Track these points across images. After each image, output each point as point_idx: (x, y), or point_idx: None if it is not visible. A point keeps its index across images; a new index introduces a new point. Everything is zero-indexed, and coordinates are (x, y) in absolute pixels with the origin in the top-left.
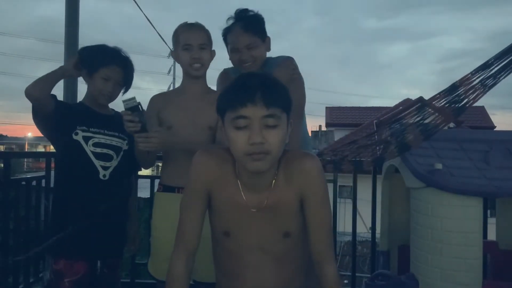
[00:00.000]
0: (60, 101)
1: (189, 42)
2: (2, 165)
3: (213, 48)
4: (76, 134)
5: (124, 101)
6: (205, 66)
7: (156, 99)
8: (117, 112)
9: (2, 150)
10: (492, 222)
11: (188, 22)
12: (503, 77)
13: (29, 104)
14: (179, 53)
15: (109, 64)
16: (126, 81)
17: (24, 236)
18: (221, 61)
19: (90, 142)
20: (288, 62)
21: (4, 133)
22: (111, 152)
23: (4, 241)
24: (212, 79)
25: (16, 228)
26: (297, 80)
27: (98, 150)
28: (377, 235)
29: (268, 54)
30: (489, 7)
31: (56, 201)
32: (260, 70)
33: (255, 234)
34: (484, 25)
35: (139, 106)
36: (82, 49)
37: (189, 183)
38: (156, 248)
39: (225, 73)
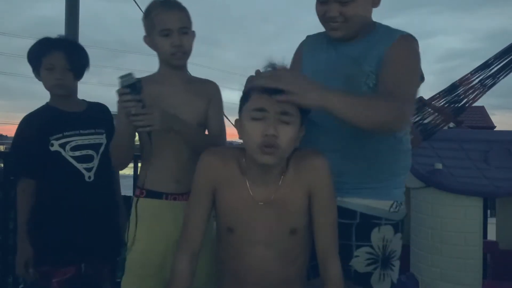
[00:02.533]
0: (29, 144)
1: (168, 26)
2: (2, 165)
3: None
4: (52, 145)
5: (120, 77)
6: (188, 53)
7: None
8: (90, 104)
9: (2, 150)
10: (492, 222)
11: (161, 0)
12: (502, 77)
13: (28, 104)
14: (156, 40)
15: (48, 52)
16: (74, 66)
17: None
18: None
19: (68, 147)
20: (408, 42)
21: (4, 133)
22: (90, 151)
23: (4, 241)
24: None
25: (16, 228)
26: (413, 65)
27: (78, 153)
28: None
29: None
30: (487, 7)
31: (42, 211)
32: (359, 36)
33: (261, 229)
34: (482, 25)
35: (138, 83)
36: (27, 53)
37: (195, 183)
38: (139, 263)
39: (300, 45)
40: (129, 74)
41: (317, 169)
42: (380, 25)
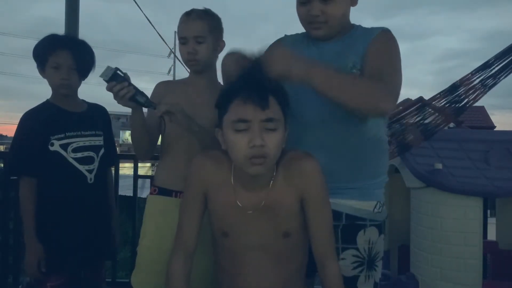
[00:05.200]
0: (31, 141)
1: (184, 35)
2: (2, 165)
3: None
4: (52, 145)
5: (101, 75)
6: (201, 61)
7: (160, 87)
8: (89, 105)
9: (2, 150)
10: (492, 222)
11: (189, 10)
12: (503, 77)
13: (28, 104)
14: (179, 47)
15: (55, 51)
16: (80, 65)
17: (24, 236)
18: None
19: (69, 149)
20: (388, 36)
21: (4, 133)
22: (92, 153)
23: (4, 241)
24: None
25: (16, 228)
26: (395, 56)
27: (79, 155)
28: None
29: None
30: (485, 7)
31: (44, 213)
32: (339, 35)
33: (254, 234)
34: (480, 25)
35: (118, 71)
36: (33, 49)
37: (187, 185)
38: (146, 259)
39: (278, 42)
40: (107, 68)
41: (307, 174)
42: (357, 25)
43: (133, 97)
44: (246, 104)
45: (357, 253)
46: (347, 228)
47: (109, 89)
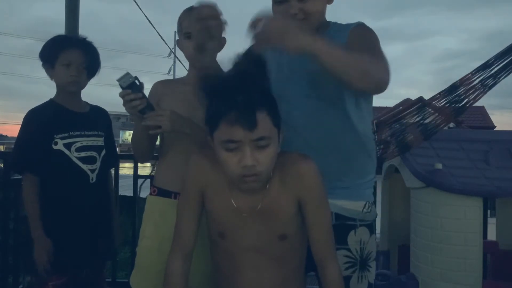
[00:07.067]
0: (34, 140)
1: (189, 30)
2: (2, 165)
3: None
4: (56, 143)
5: (119, 80)
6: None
7: (158, 86)
8: (92, 106)
9: (2, 150)
10: (492, 222)
11: (193, 5)
12: (503, 77)
13: (28, 104)
14: (182, 43)
15: (66, 48)
16: (89, 64)
17: (24, 236)
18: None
19: (73, 148)
20: (364, 27)
21: (4, 133)
22: (94, 153)
23: (4, 241)
24: None
25: (16, 228)
26: (376, 42)
27: (83, 154)
28: (377, 235)
29: None
30: (483, 7)
31: (46, 212)
32: (316, 34)
33: (250, 236)
34: (479, 26)
35: (136, 80)
36: (42, 48)
37: (184, 184)
38: (145, 259)
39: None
40: (126, 74)
41: (304, 176)
42: (333, 22)
43: (143, 109)
44: (234, 125)
45: (349, 253)
46: (338, 228)
47: (122, 95)
